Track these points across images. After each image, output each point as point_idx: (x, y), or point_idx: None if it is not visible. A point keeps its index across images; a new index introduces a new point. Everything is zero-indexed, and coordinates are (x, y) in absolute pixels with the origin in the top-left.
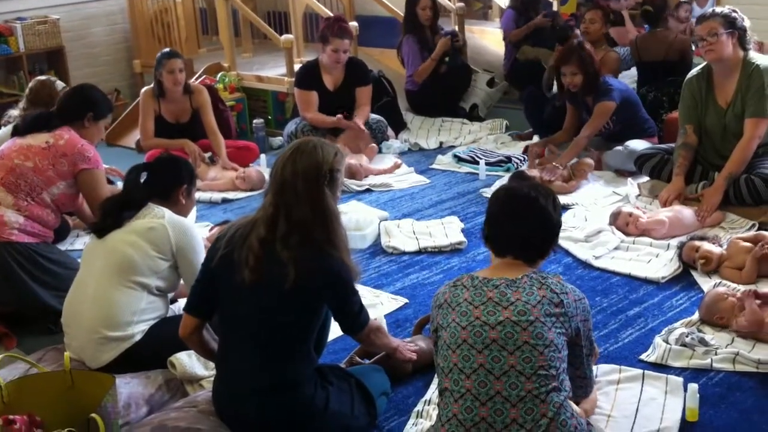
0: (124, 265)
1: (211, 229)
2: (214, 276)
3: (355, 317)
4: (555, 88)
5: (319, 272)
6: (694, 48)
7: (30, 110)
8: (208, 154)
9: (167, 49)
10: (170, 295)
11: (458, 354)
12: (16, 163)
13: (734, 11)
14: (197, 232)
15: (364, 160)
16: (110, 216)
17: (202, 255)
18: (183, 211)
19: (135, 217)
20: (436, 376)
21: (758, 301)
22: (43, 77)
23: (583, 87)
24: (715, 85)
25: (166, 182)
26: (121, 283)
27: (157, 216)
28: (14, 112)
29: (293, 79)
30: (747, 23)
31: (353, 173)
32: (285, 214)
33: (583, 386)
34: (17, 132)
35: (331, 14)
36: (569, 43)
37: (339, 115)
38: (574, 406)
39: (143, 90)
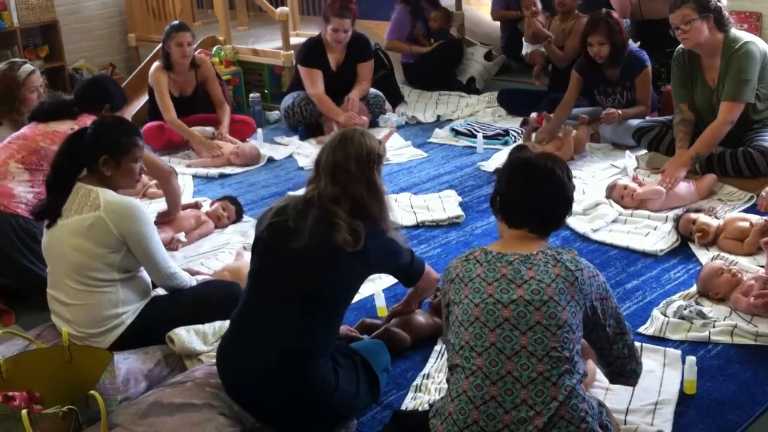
0: (80, 271)
1: (212, 204)
2: (257, 240)
3: (407, 268)
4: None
5: (376, 243)
6: None
7: None
8: (209, 128)
9: (176, 22)
10: (189, 279)
11: (470, 332)
12: (42, 146)
13: None
14: (141, 210)
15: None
16: (50, 203)
17: (150, 233)
18: (120, 184)
19: (71, 208)
20: (438, 348)
21: None
22: (11, 60)
23: (610, 58)
24: (703, 63)
25: (87, 150)
26: (87, 286)
27: (93, 207)
28: None
29: (290, 53)
30: (723, 1)
31: None
32: (344, 192)
33: (629, 363)
34: (36, 117)
35: None
36: (597, 12)
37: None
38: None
39: (153, 67)
